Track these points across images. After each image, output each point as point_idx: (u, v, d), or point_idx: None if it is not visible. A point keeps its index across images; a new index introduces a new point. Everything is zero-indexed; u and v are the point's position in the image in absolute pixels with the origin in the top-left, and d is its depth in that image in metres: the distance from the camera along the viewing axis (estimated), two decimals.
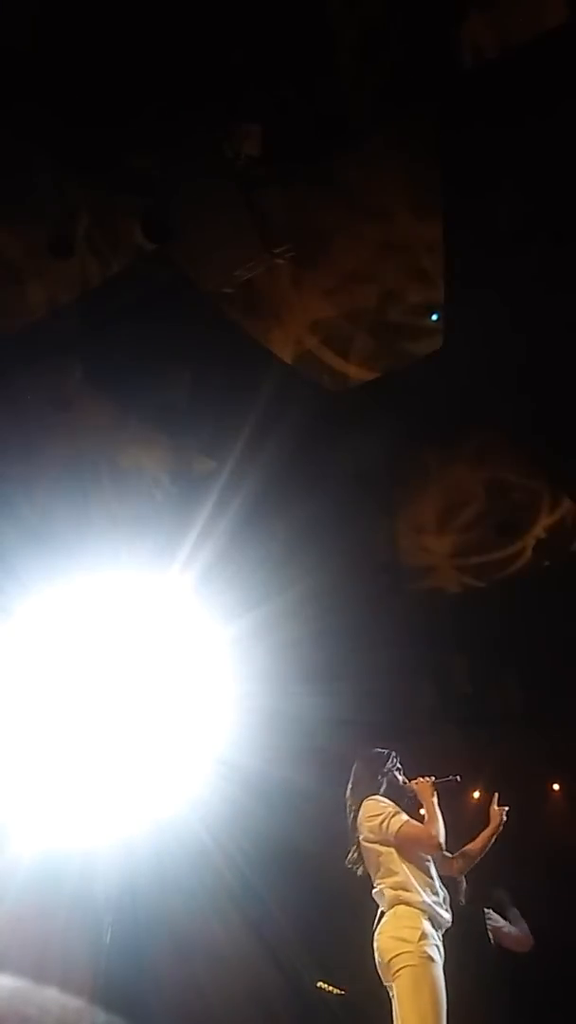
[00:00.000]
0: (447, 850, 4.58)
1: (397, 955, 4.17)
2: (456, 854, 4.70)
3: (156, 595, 6.28)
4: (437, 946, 4.23)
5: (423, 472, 6.68)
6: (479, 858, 4.80)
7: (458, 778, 4.69)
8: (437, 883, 4.45)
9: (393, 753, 4.79)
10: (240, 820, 6.63)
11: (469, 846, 4.79)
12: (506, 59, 4.53)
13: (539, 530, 6.74)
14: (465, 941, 5.51)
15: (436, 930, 4.29)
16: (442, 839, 4.44)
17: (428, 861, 4.46)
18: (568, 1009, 6.35)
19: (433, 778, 4.65)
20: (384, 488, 6.64)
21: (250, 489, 6.02)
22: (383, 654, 6.72)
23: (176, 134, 4.81)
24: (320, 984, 6.75)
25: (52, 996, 6.41)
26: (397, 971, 4.15)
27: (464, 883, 5.88)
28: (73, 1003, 6.52)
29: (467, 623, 7.13)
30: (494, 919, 6.12)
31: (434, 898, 4.35)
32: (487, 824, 4.92)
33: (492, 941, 6.08)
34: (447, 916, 4.38)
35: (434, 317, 5.52)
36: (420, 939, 4.17)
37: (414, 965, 4.11)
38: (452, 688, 7.30)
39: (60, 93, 4.64)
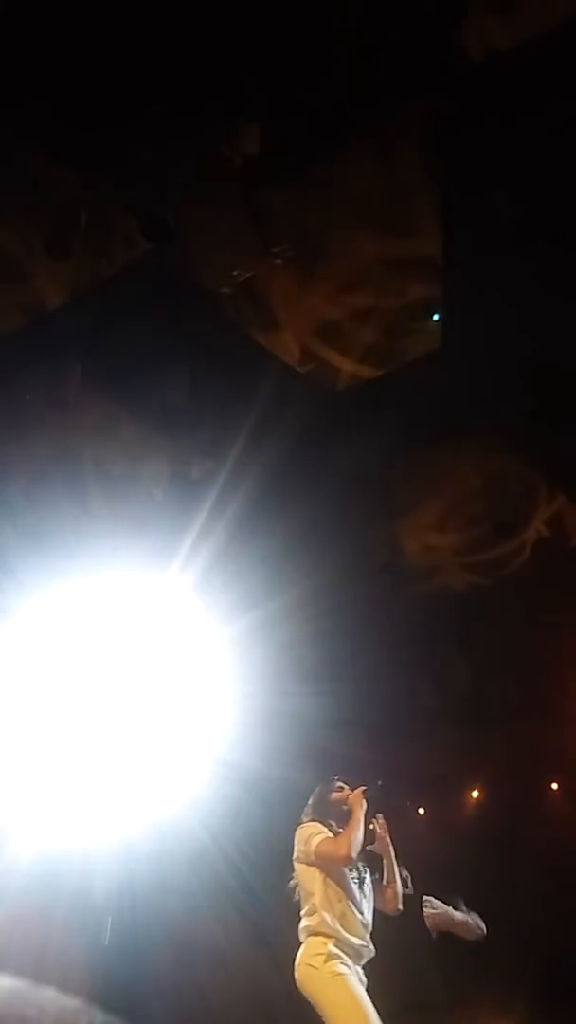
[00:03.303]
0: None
1: (307, 981, 4.31)
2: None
3: (156, 595, 6.27)
4: (347, 964, 4.31)
5: (422, 472, 6.67)
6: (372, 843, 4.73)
7: (379, 783, 4.68)
8: (361, 908, 4.51)
9: (334, 777, 4.80)
10: (240, 820, 6.64)
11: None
12: (508, 56, 4.52)
13: (538, 528, 6.74)
14: (401, 932, 5.60)
15: (348, 954, 4.36)
16: (352, 850, 4.42)
17: (351, 885, 4.51)
18: (569, 1009, 6.38)
19: (363, 788, 4.65)
20: (383, 488, 6.64)
21: (249, 489, 6.01)
22: (383, 654, 6.72)
23: (175, 133, 4.79)
24: None
25: (50, 996, 6.41)
26: (313, 996, 4.28)
27: (406, 874, 5.97)
28: (71, 1003, 6.53)
29: (467, 623, 7.14)
30: (434, 905, 6.12)
31: (345, 926, 4.39)
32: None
33: (430, 930, 6.07)
34: (357, 943, 4.42)
35: (435, 317, 5.51)
36: (325, 961, 4.28)
37: (324, 984, 4.23)
38: (452, 688, 7.30)
39: (60, 92, 4.62)
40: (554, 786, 7.96)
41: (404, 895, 5.92)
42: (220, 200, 4.96)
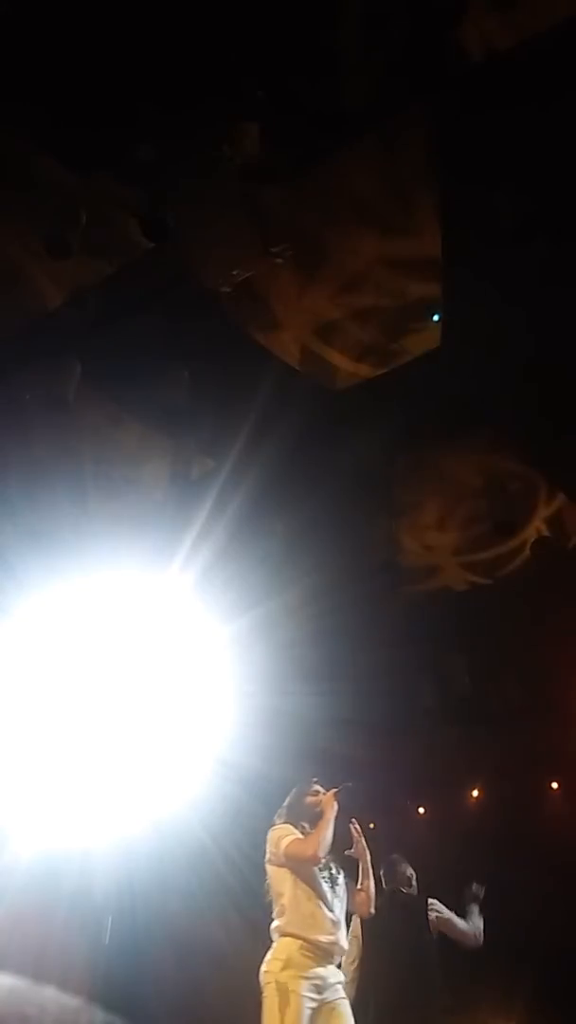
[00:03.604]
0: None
1: (263, 981, 4.31)
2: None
3: (156, 595, 6.27)
4: (305, 977, 4.27)
5: (422, 471, 6.67)
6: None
7: (349, 784, 4.69)
8: (332, 906, 4.49)
9: (314, 779, 4.81)
10: (240, 820, 6.63)
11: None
12: (508, 54, 4.51)
13: (538, 528, 6.74)
14: (403, 932, 5.60)
15: (316, 956, 4.33)
16: (320, 850, 4.43)
17: (322, 884, 4.50)
18: (570, 1010, 6.38)
19: (334, 790, 4.66)
20: (384, 487, 6.64)
21: (249, 489, 6.01)
22: (383, 654, 6.72)
23: (175, 132, 4.79)
24: None
25: (51, 995, 6.42)
26: (263, 996, 4.28)
27: (410, 873, 5.99)
28: (72, 1002, 6.54)
29: (467, 623, 7.13)
30: (438, 909, 6.13)
31: (313, 926, 4.38)
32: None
33: (431, 931, 6.09)
34: (326, 941, 4.38)
35: (435, 317, 5.51)
36: (281, 969, 4.27)
37: (273, 991, 4.23)
38: (452, 688, 7.30)
39: (60, 91, 4.62)
40: (554, 786, 7.96)
41: (407, 895, 5.95)
42: (220, 200, 4.96)
